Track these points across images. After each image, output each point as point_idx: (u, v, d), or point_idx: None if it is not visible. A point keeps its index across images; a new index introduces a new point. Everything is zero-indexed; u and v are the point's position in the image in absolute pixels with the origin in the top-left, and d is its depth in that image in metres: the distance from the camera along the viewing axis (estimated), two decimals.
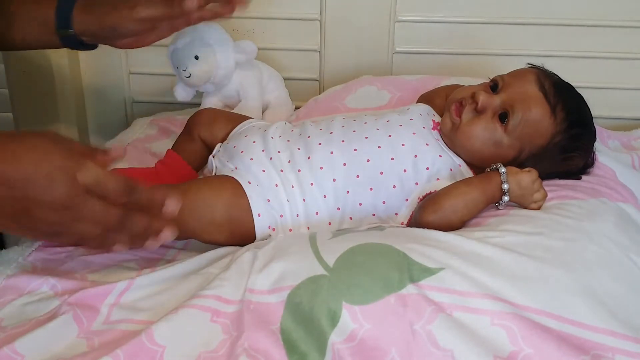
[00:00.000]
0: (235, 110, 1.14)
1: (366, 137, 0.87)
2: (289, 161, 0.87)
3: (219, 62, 1.12)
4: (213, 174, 0.92)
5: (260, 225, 0.83)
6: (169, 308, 0.68)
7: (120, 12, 0.88)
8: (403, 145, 0.86)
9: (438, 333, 0.63)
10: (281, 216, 0.84)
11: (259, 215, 0.83)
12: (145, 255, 0.82)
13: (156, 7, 0.88)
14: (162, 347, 0.64)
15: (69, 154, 0.60)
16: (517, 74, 0.89)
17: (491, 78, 0.90)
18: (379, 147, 0.86)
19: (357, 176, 0.85)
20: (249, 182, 0.84)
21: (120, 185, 0.62)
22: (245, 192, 0.83)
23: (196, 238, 0.83)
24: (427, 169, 0.85)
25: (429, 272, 0.68)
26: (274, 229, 0.83)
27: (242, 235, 0.83)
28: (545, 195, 0.82)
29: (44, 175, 0.59)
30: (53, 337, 0.66)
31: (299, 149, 0.88)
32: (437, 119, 0.92)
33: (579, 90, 0.91)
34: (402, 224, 0.85)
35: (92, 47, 0.96)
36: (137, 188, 0.64)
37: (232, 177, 0.85)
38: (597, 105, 0.94)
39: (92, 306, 0.70)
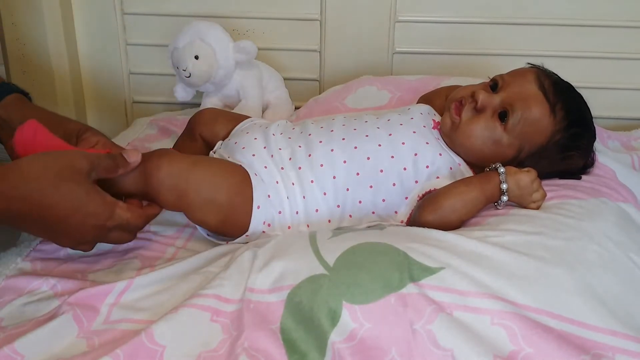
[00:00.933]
0: (235, 110, 1.14)
1: (367, 136, 0.87)
2: (290, 158, 0.87)
3: (219, 62, 1.12)
4: None
5: (257, 218, 0.82)
6: (168, 307, 0.68)
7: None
8: (403, 143, 0.86)
9: (438, 332, 0.63)
10: (280, 212, 0.84)
11: (258, 207, 0.83)
12: (145, 253, 0.82)
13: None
14: (162, 347, 0.64)
15: (101, 203, 0.72)
16: (516, 73, 0.89)
17: (491, 77, 0.90)
18: (379, 145, 0.86)
19: (357, 174, 0.85)
20: (255, 175, 0.84)
21: (140, 223, 0.77)
22: (251, 183, 0.83)
23: (187, 213, 0.82)
24: (427, 167, 0.85)
25: (429, 271, 0.67)
26: (269, 225, 0.84)
27: (234, 223, 0.82)
28: (544, 195, 0.82)
29: (78, 221, 0.71)
30: (53, 337, 0.66)
31: (300, 146, 0.88)
32: (438, 118, 0.92)
33: (579, 90, 0.91)
34: (402, 222, 0.85)
35: None
36: (150, 217, 0.79)
37: (243, 167, 0.85)
38: (597, 105, 0.94)
39: (92, 306, 0.70)
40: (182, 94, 1.18)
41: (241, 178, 0.83)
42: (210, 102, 1.18)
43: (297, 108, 1.23)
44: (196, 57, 1.11)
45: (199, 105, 1.20)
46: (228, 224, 0.82)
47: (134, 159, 0.77)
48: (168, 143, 1.05)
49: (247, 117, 1.01)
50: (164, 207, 0.81)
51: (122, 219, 0.74)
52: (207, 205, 0.81)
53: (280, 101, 1.22)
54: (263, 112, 1.20)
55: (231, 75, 1.15)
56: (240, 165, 0.85)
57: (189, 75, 1.11)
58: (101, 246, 0.80)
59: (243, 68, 1.15)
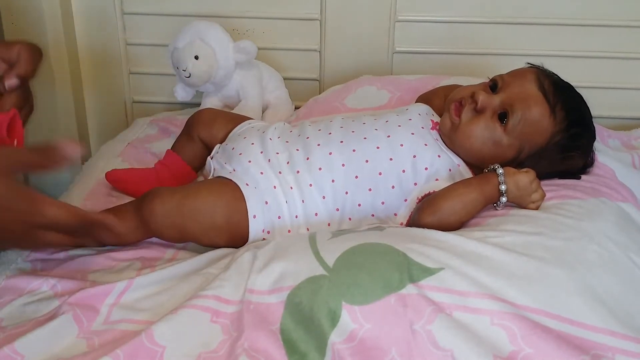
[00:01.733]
0: (235, 110, 1.14)
1: (365, 138, 0.87)
2: (288, 162, 0.87)
3: (219, 62, 1.12)
4: (211, 176, 0.91)
5: (255, 227, 0.82)
6: (168, 308, 0.68)
7: None
8: (402, 145, 0.86)
9: (438, 333, 0.63)
10: (279, 217, 0.84)
11: (254, 216, 0.82)
12: (146, 254, 0.82)
13: None
14: (162, 347, 0.64)
15: (24, 198, 0.64)
16: (516, 74, 0.89)
17: (491, 78, 0.90)
18: (378, 147, 0.86)
19: (356, 177, 0.85)
20: (247, 184, 0.84)
21: (75, 222, 0.67)
22: (243, 195, 0.83)
23: (195, 242, 0.83)
24: (426, 169, 0.85)
25: (428, 272, 0.68)
26: (268, 232, 0.83)
27: (240, 237, 0.83)
28: (543, 196, 0.82)
29: (4, 217, 0.63)
30: (53, 337, 0.66)
31: (297, 150, 0.88)
32: (436, 119, 0.92)
33: (579, 90, 0.91)
34: (401, 224, 0.85)
35: None
36: (86, 218, 0.69)
37: (231, 181, 0.85)
38: (597, 105, 0.94)
39: (92, 306, 0.70)
40: (182, 94, 1.18)
41: (232, 194, 0.83)
42: (210, 102, 1.18)
43: (297, 108, 1.23)
44: (196, 57, 1.11)
45: (199, 105, 1.20)
46: (235, 239, 0.82)
47: (72, 150, 0.63)
48: (168, 143, 1.05)
49: (246, 117, 1.01)
50: (174, 243, 0.83)
51: (52, 216, 0.65)
52: (209, 231, 0.81)
53: (280, 101, 1.22)
54: (263, 112, 1.20)
55: (231, 75, 1.15)
56: (230, 180, 0.85)
57: (189, 75, 1.11)
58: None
59: (243, 68, 1.15)
